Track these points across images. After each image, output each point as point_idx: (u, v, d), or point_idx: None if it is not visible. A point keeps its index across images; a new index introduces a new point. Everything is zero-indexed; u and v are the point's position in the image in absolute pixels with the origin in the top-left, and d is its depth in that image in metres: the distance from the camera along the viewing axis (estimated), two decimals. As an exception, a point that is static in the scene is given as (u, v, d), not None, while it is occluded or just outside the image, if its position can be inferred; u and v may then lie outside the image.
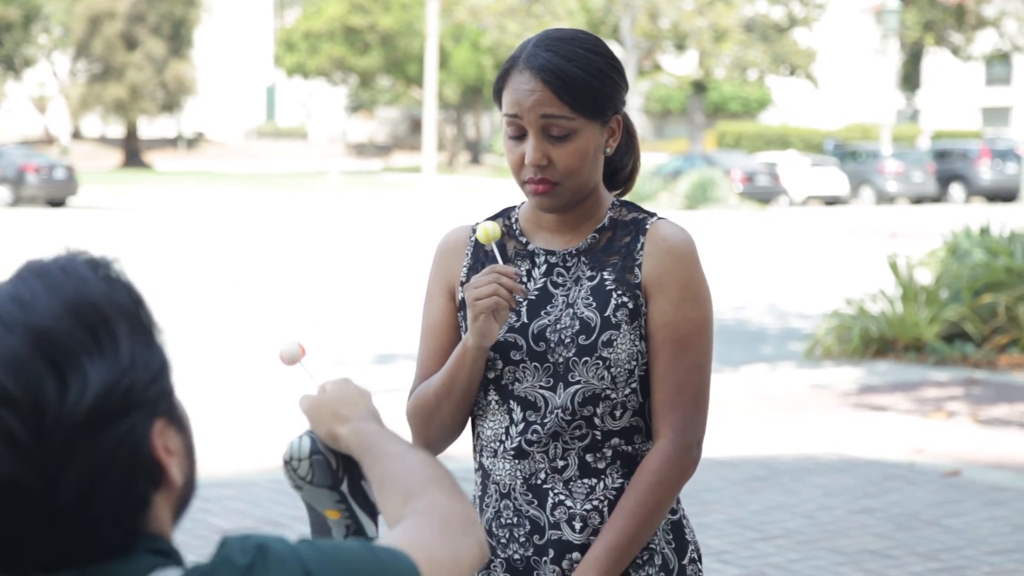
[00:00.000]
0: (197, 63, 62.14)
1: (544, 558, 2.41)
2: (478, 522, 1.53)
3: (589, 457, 2.39)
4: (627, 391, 2.39)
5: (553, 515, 2.40)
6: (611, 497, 2.39)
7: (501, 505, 2.44)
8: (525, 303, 2.42)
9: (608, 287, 2.40)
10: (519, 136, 2.39)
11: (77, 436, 1.24)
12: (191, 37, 61.27)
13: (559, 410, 2.38)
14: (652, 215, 2.46)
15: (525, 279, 2.45)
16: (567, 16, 44.09)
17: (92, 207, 34.66)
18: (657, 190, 36.17)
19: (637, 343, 2.38)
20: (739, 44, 46.66)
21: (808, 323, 13.71)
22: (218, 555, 1.29)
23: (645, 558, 2.40)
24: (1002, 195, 41.06)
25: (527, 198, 2.43)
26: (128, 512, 1.28)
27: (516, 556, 2.43)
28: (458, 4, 47.60)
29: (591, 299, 2.39)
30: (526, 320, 2.41)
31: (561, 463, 2.40)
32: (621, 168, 2.54)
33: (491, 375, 2.43)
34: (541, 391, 2.39)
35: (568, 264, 2.44)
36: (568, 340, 2.38)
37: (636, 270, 2.40)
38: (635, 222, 2.45)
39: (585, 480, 2.39)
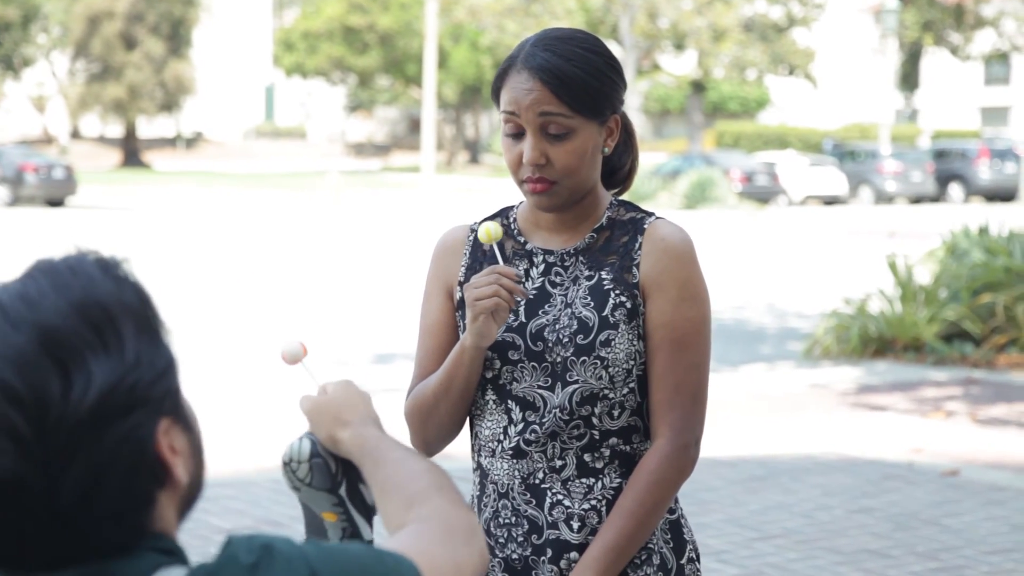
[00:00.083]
0: (196, 63, 62.11)
1: (542, 558, 2.41)
2: (480, 531, 1.54)
3: (587, 457, 2.40)
4: (625, 391, 2.39)
5: (551, 515, 2.40)
6: (609, 497, 2.39)
7: (499, 505, 2.44)
8: (523, 303, 2.43)
9: (606, 287, 2.40)
10: (517, 134, 2.39)
11: (80, 434, 1.24)
12: (190, 37, 61.26)
13: (557, 410, 2.38)
14: (650, 215, 2.46)
15: (523, 279, 2.45)
16: (566, 16, 44.09)
17: (91, 207, 34.65)
18: (656, 190, 36.17)
19: (635, 343, 2.39)
20: (738, 44, 46.67)
21: (807, 323, 13.71)
22: (223, 554, 1.29)
23: (643, 558, 2.40)
24: (1001, 195, 41.06)
25: (525, 197, 2.43)
26: (131, 510, 1.28)
27: (514, 556, 2.43)
28: (457, 4, 47.60)
29: (589, 299, 2.40)
30: (524, 320, 2.42)
31: (559, 463, 2.40)
32: (619, 167, 2.54)
33: (489, 375, 2.43)
34: (539, 391, 2.40)
35: (566, 264, 2.44)
36: (566, 340, 2.38)
37: (634, 270, 2.40)
38: (633, 222, 2.45)
39: (583, 480, 2.40)
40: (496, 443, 2.43)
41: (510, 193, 33.52)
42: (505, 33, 45.43)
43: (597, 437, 2.40)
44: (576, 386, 2.38)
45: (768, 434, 8.39)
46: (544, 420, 2.39)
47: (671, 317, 2.38)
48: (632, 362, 2.39)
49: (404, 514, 1.57)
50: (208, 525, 6.26)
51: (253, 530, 5.98)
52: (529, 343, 2.40)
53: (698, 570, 2.49)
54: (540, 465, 2.40)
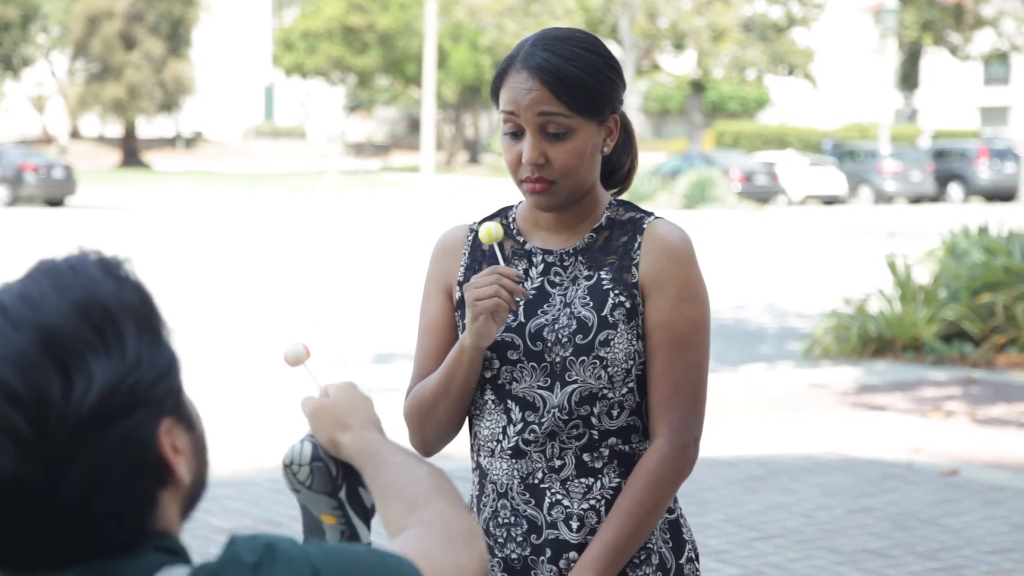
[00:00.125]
0: (195, 63, 62.11)
1: (541, 557, 2.41)
2: (481, 534, 1.55)
3: (586, 456, 2.40)
4: (624, 391, 2.39)
5: (550, 514, 2.40)
6: (608, 496, 2.39)
7: (498, 504, 2.44)
8: (522, 302, 2.43)
9: (605, 286, 2.40)
10: (516, 134, 2.39)
11: (81, 434, 1.25)
12: (189, 37, 61.25)
13: (556, 409, 2.38)
14: (649, 214, 2.46)
15: (523, 279, 2.45)
16: (565, 15, 44.10)
17: (90, 207, 34.65)
18: (655, 190, 36.17)
19: (634, 342, 2.39)
20: (737, 44, 46.68)
21: (806, 322, 13.71)
22: (227, 553, 1.29)
23: (642, 557, 2.40)
24: (1000, 195, 41.06)
25: (524, 197, 2.43)
26: (133, 510, 1.29)
27: (513, 556, 2.43)
28: (456, 4, 47.61)
29: (588, 299, 2.40)
30: (523, 320, 2.41)
31: (558, 462, 2.40)
32: (619, 167, 2.54)
33: (488, 375, 2.43)
34: (538, 391, 2.40)
35: (565, 263, 2.44)
36: (565, 340, 2.38)
37: (633, 269, 2.40)
38: (632, 221, 2.45)
39: (582, 479, 2.40)
40: (495, 443, 2.43)
41: (510, 193, 33.51)
42: (505, 33, 45.44)
43: (596, 437, 2.40)
44: (575, 386, 2.38)
45: (768, 434, 8.40)
46: (543, 420, 2.39)
47: (670, 317, 2.38)
48: (631, 362, 2.39)
49: (405, 518, 1.57)
50: (208, 525, 6.26)
51: (253, 530, 5.98)
52: (528, 343, 2.40)
53: (697, 570, 2.49)
54: (539, 465, 2.40)
